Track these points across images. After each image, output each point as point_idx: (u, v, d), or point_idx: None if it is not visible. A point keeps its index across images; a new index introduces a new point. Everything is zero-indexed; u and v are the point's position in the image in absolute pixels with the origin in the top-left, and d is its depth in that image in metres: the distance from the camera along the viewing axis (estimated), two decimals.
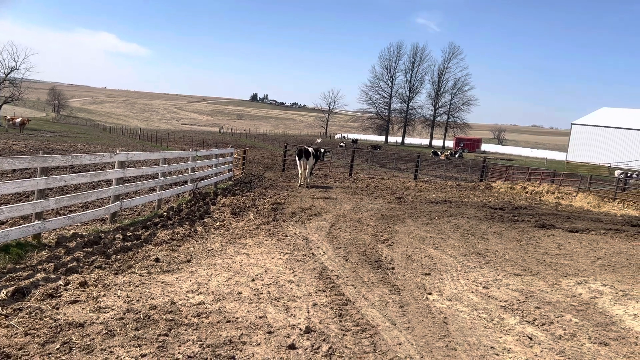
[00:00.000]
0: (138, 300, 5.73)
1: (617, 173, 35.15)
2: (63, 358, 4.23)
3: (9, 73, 60.21)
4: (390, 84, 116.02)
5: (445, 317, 5.97)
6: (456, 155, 69.66)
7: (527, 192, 23.56)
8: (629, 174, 33.51)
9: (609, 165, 61.25)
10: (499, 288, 7.42)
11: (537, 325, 5.97)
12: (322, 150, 21.89)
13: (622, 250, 11.21)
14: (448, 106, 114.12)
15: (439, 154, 69.76)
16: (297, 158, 19.88)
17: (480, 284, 7.57)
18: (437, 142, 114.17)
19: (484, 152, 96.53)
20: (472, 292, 7.14)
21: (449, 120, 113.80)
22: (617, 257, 10.38)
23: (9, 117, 50.45)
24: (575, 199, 21.65)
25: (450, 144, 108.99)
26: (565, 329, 5.88)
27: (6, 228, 7.55)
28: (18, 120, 48.69)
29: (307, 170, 19.72)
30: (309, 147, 20.62)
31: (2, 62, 59.77)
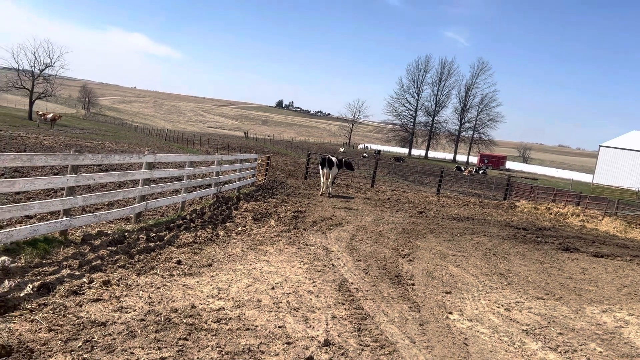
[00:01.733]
0: (159, 302, 5.78)
1: None
2: (85, 356, 4.29)
3: (43, 69, 61.66)
4: (416, 97, 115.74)
5: (465, 338, 5.88)
6: (480, 172, 68.91)
7: (551, 213, 23.16)
8: None
9: (637, 189, 59.84)
10: (520, 311, 7.29)
11: (560, 352, 5.85)
12: (348, 160, 21.82)
13: None
14: (474, 122, 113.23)
15: (463, 169, 69.10)
16: (320, 167, 19.90)
17: (502, 305, 7.45)
18: (461, 157, 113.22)
19: (509, 169, 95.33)
20: (494, 313, 7.02)
21: (474, 136, 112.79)
22: None
23: (40, 113, 51.65)
24: (601, 222, 21.20)
25: (474, 159, 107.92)
26: (589, 358, 5.74)
27: (35, 223, 7.71)
28: (49, 115, 49.82)
29: (330, 180, 19.74)
30: (333, 156, 20.63)
31: (38, 58, 61.20)
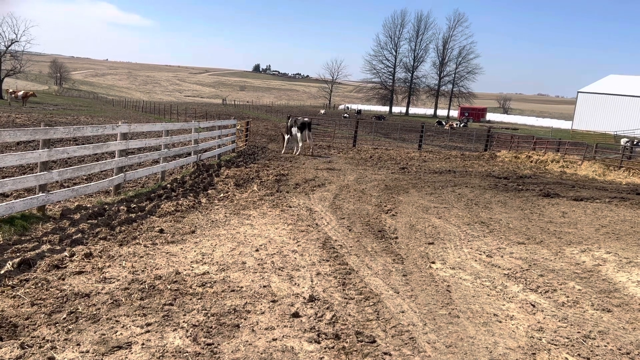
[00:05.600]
0: (143, 271, 5.77)
1: (623, 141, 34.85)
2: (69, 327, 4.28)
3: (9, 46, 59.64)
4: (394, 53, 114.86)
5: (448, 286, 5.99)
6: (461, 125, 69.14)
7: (531, 161, 23.44)
8: (635, 142, 33.23)
9: (615, 133, 60.73)
10: (502, 256, 7.44)
11: (540, 292, 6.00)
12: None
13: (627, 218, 11.18)
14: (453, 75, 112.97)
15: (444, 123, 69.26)
16: (299, 131, 20.72)
17: (484, 252, 7.58)
18: (441, 112, 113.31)
19: (489, 121, 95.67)
20: (476, 260, 7.15)
21: (454, 89, 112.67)
22: (621, 225, 10.37)
23: (11, 91, 50.24)
24: (580, 167, 21.54)
25: (455, 113, 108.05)
26: (568, 296, 5.90)
27: (11, 200, 7.58)
28: (20, 93, 48.50)
29: (309, 140, 20.92)
30: (305, 118, 22.20)
31: (3, 34, 59.23)
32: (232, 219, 8.79)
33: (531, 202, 12.41)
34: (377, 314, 4.98)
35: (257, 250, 6.92)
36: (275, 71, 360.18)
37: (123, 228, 7.50)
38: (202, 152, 15.52)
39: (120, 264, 5.95)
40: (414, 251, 7.40)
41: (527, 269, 6.86)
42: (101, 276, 5.50)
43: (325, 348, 4.25)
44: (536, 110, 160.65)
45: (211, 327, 4.46)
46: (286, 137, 21.30)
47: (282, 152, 20.97)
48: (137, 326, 4.39)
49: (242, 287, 5.47)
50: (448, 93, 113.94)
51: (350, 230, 8.40)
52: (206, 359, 3.96)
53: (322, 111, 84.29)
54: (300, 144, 20.79)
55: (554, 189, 14.88)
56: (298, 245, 7.29)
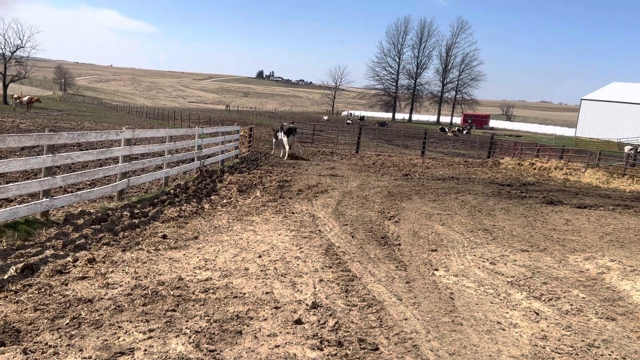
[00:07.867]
0: (146, 277, 5.77)
1: (626, 149, 34.74)
2: (72, 333, 4.28)
3: (14, 51, 60.09)
4: (397, 60, 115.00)
5: (451, 293, 5.97)
6: (464, 132, 69.12)
7: (535, 169, 23.41)
8: (638, 150, 33.12)
9: (619, 140, 60.58)
10: (505, 264, 7.41)
11: (544, 300, 5.97)
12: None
13: (631, 225, 11.14)
14: (456, 82, 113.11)
15: (447, 130, 69.25)
16: (285, 136, 21.56)
17: (487, 260, 7.56)
18: (444, 119, 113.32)
19: (492, 128, 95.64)
20: (479, 268, 7.13)
21: (457, 96, 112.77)
22: (625, 232, 10.33)
23: (16, 96, 50.48)
24: (583, 175, 21.49)
25: (458, 120, 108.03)
26: (572, 304, 5.87)
27: (15, 205, 7.59)
28: (25, 98, 48.72)
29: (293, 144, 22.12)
30: (291, 124, 23.84)
31: (8, 40, 59.72)
32: (235, 225, 8.79)
33: (534, 210, 12.38)
34: (380, 321, 4.97)
35: (259, 257, 6.92)
36: (279, 77, 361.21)
37: (126, 234, 7.51)
38: (206, 157, 15.55)
39: (123, 270, 5.95)
40: (417, 258, 7.38)
41: (530, 277, 6.84)
42: (104, 282, 5.50)
43: (327, 355, 4.23)
44: (539, 118, 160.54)
45: (214, 334, 4.45)
46: (274, 141, 22.67)
47: (280, 155, 21.70)
48: (140, 332, 4.39)
49: (244, 294, 5.47)
50: (451, 100, 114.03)
51: (353, 236, 8.38)
52: None
53: (325, 117, 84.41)
54: (286, 149, 21.53)
55: (557, 196, 14.85)
56: (301, 252, 7.28)
